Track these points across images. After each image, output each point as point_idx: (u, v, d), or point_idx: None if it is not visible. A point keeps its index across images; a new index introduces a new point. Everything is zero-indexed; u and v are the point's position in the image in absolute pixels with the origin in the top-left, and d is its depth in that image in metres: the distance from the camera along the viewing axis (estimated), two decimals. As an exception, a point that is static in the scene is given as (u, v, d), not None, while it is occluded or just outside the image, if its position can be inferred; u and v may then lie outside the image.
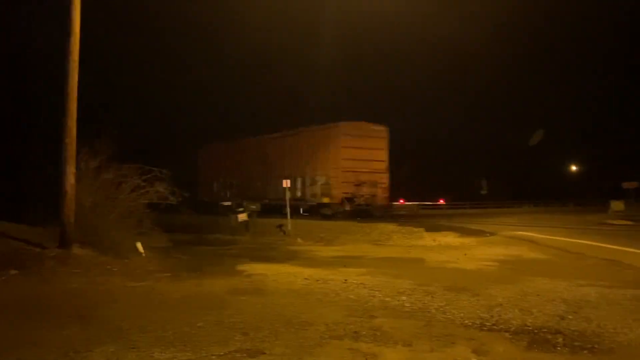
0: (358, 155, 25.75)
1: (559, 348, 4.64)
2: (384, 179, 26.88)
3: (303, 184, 27.53)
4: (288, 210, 22.89)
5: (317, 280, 8.23)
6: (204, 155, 37.12)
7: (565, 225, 20.53)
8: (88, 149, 11.10)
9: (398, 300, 6.65)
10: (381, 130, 27.29)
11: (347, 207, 24.86)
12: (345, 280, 8.17)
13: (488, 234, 15.95)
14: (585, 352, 4.53)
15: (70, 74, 9.91)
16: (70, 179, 9.90)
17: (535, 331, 5.14)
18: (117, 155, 11.63)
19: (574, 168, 58.87)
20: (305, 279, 8.46)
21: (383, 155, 27.02)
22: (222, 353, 4.54)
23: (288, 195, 22.68)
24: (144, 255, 11.03)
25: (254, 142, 32.05)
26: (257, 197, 26.59)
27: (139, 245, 11.35)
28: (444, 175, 56.87)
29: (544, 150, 55.25)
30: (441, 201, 49.04)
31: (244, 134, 34.86)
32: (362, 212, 25.00)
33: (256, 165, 30.54)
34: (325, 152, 26.36)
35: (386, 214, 26.16)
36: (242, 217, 21.02)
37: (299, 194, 27.18)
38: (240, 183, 31.41)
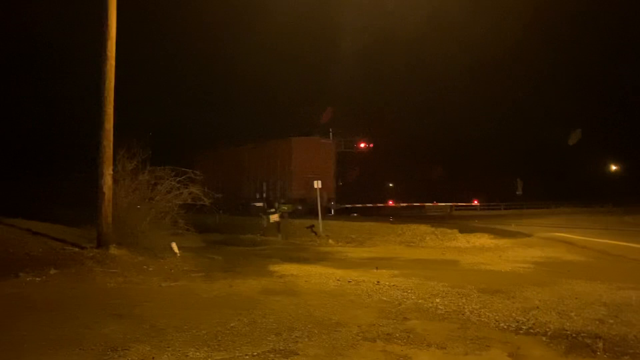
0: (309, 164, 32.29)
1: (599, 353, 4.51)
2: (331, 183, 33.54)
3: (267, 187, 34.64)
4: (319, 210, 22.95)
5: (349, 282, 8.21)
6: (200, 160, 39.84)
7: (603, 227, 19.96)
8: (125, 151, 11.34)
9: (431, 303, 6.58)
10: (328, 144, 35.96)
11: (300, 207, 28.63)
12: (378, 281, 8.13)
13: (523, 236, 15.65)
14: (626, 357, 4.39)
15: (107, 78, 10.15)
16: (108, 180, 10.13)
17: (574, 335, 5.01)
18: (151, 157, 11.85)
19: (613, 168, 57.15)
20: (337, 280, 8.45)
21: (330, 163, 34.84)
22: (255, 353, 4.58)
23: (319, 195, 22.77)
24: (178, 255, 11.20)
25: (233, 151, 38.44)
26: (235, 197, 33.38)
27: (174, 246, 11.54)
28: (478, 176, 56.09)
29: (582, 149, 53.85)
30: (475, 202, 48.42)
31: (227, 143, 40.76)
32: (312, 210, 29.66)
33: (233, 170, 36.87)
34: (283, 161, 33.19)
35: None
36: (274, 217, 21.16)
37: (264, 195, 33.86)
38: (222, 186, 34.41)
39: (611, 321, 5.49)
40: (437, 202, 45.91)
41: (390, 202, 50.93)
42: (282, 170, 33.75)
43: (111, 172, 10.23)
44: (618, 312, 5.86)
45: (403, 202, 49.72)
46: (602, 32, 74.68)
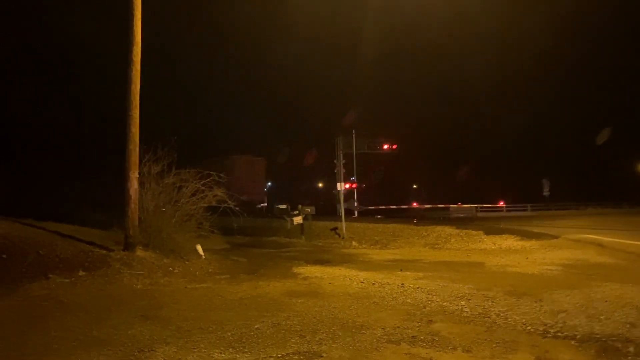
0: (246, 176, 47.28)
1: (630, 358, 4.40)
2: (261, 190, 51.40)
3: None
4: (342, 212, 22.93)
5: (373, 284, 8.18)
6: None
7: (634, 228, 19.47)
8: (151, 155, 11.50)
9: (457, 305, 6.51)
10: (260, 160, 53.37)
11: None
12: (402, 284, 8.07)
13: (551, 237, 15.35)
14: (659, 362, 4.28)
15: (132, 82, 10.31)
16: (134, 183, 10.29)
17: (604, 339, 4.90)
18: (177, 160, 11.99)
19: (644, 167, 55.73)
20: (361, 282, 8.42)
21: (262, 176, 53.35)
22: (279, 355, 4.59)
23: (342, 199, 22.80)
24: (203, 257, 11.31)
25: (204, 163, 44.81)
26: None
27: (199, 248, 11.66)
28: (504, 176, 55.37)
29: (611, 149, 52.73)
30: (501, 203, 47.79)
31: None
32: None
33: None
34: (230, 173, 38.91)
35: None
36: (298, 220, 21.23)
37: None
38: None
39: (643, 325, 5.35)
40: (461, 203, 45.42)
41: (415, 204, 50.63)
42: (228, 180, 41.56)
43: (137, 176, 10.38)
44: (650, 316, 5.71)
45: (427, 204, 49.39)
46: (633, 29, 72.99)
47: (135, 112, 10.31)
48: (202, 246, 11.86)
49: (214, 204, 12.57)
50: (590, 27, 71.04)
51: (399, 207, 46.01)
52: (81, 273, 8.59)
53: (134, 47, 10.32)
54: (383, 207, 43.63)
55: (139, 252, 10.09)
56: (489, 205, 45.36)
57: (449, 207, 43.97)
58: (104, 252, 9.82)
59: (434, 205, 47.06)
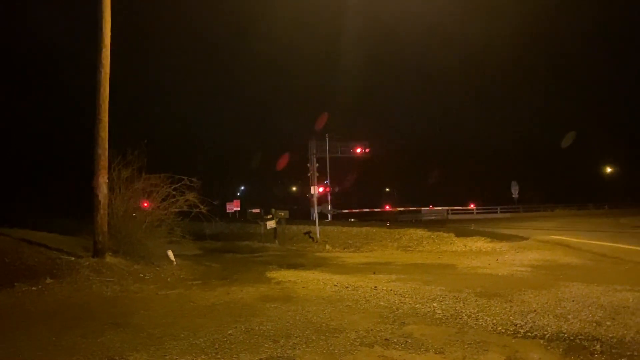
0: None
1: (596, 355, 4.50)
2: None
3: None
4: (316, 216, 22.96)
5: (347, 287, 8.20)
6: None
7: (600, 229, 20.01)
8: (120, 159, 11.31)
9: (429, 307, 6.57)
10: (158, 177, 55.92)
11: None
12: (375, 287, 8.12)
13: (520, 239, 15.65)
14: (624, 359, 4.39)
15: (102, 86, 10.14)
16: (103, 188, 10.10)
17: (572, 338, 5.01)
18: (148, 165, 11.82)
19: (608, 170, 57.34)
20: (335, 285, 8.44)
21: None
22: (253, 360, 4.56)
23: (316, 202, 22.80)
24: (175, 263, 11.18)
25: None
26: None
27: (171, 254, 11.52)
28: (475, 179, 56.20)
29: (577, 152, 54.12)
30: (472, 206, 48.50)
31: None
32: None
33: None
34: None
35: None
36: (271, 224, 21.15)
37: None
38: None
39: (608, 323, 5.49)
40: (433, 206, 45.98)
41: (387, 207, 50.99)
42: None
43: (106, 180, 10.20)
44: (615, 314, 5.86)
45: (400, 207, 49.81)
46: (597, 35, 75.15)
47: (105, 116, 10.14)
48: (173, 252, 11.71)
49: (185, 208, 12.42)
50: (556, 33, 72.80)
51: (372, 210, 46.29)
52: (49, 281, 8.39)
53: (103, 50, 10.16)
54: (356, 210, 43.85)
55: (109, 259, 9.91)
56: (460, 208, 46.06)
57: (421, 209, 44.47)
58: (72, 259, 9.61)
59: (406, 208, 47.49)
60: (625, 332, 5.15)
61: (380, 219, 36.41)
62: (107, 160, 10.23)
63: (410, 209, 46.72)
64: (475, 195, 51.49)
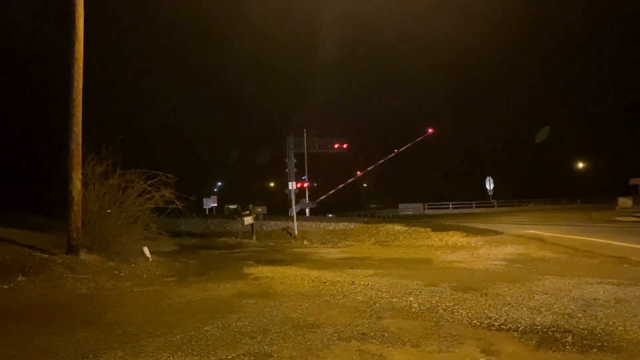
0: None
1: (568, 347, 4.60)
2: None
3: None
4: (294, 212, 22.92)
5: (324, 282, 8.22)
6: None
7: (572, 223, 20.43)
8: (94, 155, 11.13)
9: (406, 301, 6.63)
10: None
11: None
12: (353, 281, 8.16)
13: (495, 233, 15.88)
14: (594, 350, 4.50)
15: (75, 80, 9.96)
16: (77, 184, 9.94)
17: (544, 330, 5.11)
18: (122, 160, 11.64)
19: (581, 165, 58.50)
20: (313, 281, 8.45)
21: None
22: (229, 357, 4.54)
23: (293, 198, 22.78)
24: (151, 259, 11.06)
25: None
26: None
27: (146, 250, 11.40)
28: (450, 175, 56.73)
29: (550, 147, 55.07)
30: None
31: None
32: None
33: None
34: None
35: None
36: (249, 220, 21.07)
37: None
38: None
39: (580, 315, 5.61)
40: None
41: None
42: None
43: (80, 176, 10.04)
44: (586, 307, 5.99)
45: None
46: (567, 32, 76.44)
47: (78, 111, 9.97)
48: (149, 248, 11.59)
49: (161, 204, 12.28)
50: (533, 31, 73.81)
51: (350, 205, 46.47)
52: (21, 278, 8.23)
53: (77, 44, 9.98)
54: (334, 201, 43.91)
55: (83, 256, 9.76)
56: (436, 203, 46.45)
57: (398, 205, 44.77)
58: (45, 256, 9.44)
59: (383, 205, 47.79)
60: (595, 323, 5.27)
61: (358, 214, 36.57)
62: (80, 155, 10.06)
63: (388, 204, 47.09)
64: (450, 190, 52.05)
